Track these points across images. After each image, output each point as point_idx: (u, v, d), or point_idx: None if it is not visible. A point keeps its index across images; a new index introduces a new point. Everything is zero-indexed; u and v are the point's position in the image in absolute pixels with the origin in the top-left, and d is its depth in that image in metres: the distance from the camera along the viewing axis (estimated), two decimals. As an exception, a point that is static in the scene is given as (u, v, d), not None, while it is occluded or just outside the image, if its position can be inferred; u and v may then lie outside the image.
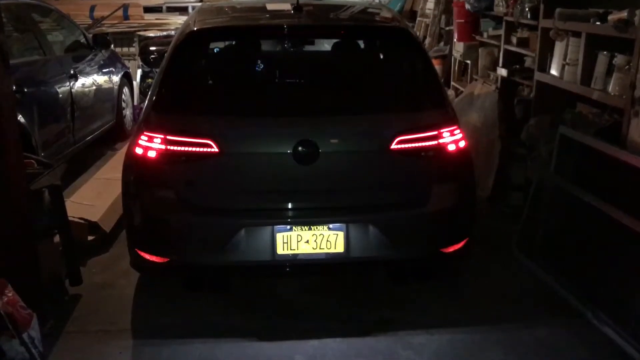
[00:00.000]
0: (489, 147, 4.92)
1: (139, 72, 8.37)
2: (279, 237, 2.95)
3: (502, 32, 5.32)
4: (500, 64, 5.31)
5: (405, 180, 3.07)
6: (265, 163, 2.96)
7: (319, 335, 3.16)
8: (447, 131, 3.04)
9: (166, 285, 3.56)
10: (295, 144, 2.90)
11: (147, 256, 3.11)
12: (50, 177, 3.30)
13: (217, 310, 3.35)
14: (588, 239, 3.58)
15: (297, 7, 3.31)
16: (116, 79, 6.73)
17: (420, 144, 3.00)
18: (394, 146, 2.96)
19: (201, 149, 2.93)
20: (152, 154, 2.98)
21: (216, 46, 3.26)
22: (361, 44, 3.41)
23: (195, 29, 3.15)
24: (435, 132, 3.02)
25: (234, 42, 3.28)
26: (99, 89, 6.19)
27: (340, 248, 2.97)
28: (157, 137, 2.96)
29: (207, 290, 3.30)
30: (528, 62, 4.99)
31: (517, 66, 5.10)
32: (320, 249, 2.97)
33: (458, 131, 3.09)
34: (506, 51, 5.26)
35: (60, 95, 5.20)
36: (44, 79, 5.01)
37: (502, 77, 5.24)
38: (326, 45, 3.42)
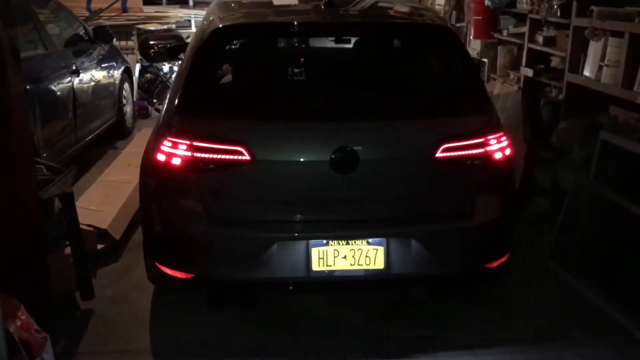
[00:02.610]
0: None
1: (138, 66, 8.09)
2: (315, 252, 2.73)
3: (525, 29, 5.11)
4: (524, 64, 5.11)
5: (450, 190, 2.85)
6: (300, 172, 2.73)
7: (352, 355, 2.95)
8: (493, 138, 2.83)
9: (185, 298, 3.32)
10: (333, 151, 2.67)
11: (169, 271, 2.87)
12: (62, 184, 3.05)
13: (242, 328, 3.12)
14: (630, 249, 3.41)
15: (328, 3, 3.08)
16: (117, 74, 6.46)
17: (466, 152, 2.79)
18: (439, 154, 2.74)
19: (231, 157, 2.69)
20: (176, 161, 2.73)
21: (245, 44, 3.02)
22: (399, 43, 3.18)
23: (220, 25, 2.90)
24: (481, 139, 2.81)
25: (264, 40, 3.04)
26: (101, 85, 5.92)
27: (380, 264, 2.76)
28: (182, 143, 2.72)
29: (233, 308, 3.06)
30: (555, 62, 4.79)
31: (542, 66, 4.90)
32: (358, 265, 2.75)
33: (504, 138, 2.88)
34: (530, 50, 5.05)
35: (62, 92, 4.93)
36: (46, 75, 4.74)
37: (526, 77, 5.04)
38: (362, 44, 3.17)
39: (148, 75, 8.23)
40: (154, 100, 7.99)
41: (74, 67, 5.22)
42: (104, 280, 3.61)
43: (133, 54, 8.14)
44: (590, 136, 3.88)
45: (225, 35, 2.89)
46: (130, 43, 8.30)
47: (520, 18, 5.32)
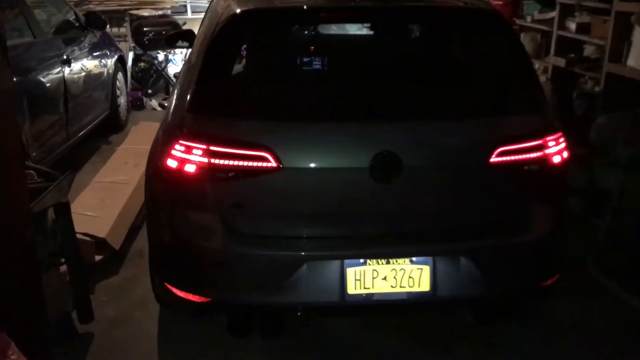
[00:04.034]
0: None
1: (131, 55, 7.64)
2: (350, 273, 2.37)
3: (553, 15, 4.74)
4: (553, 52, 4.75)
5: (504, 200, 2.50)
6: (334, 181, 2.36)
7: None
8: (552, 139, 2.48)
9: (197, 319, 2.96)
10: (372, 157, 2.31)
11: (181, 293, 2.50)
12: (56, 193, 2.66)
13: (263, 355, 2.76)
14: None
15: None
16: (110, 63, 6.03)
17: (524, 156, 2.43)
18: (494, 159, 2.38)
19: (255, 164, 2.31)
20: (190, 168, 2.35)
21: (267, 32, 2.63)
22: (444, 30, 2.79)
23: (239, 11, 2.51)
24: (540, 141, 2.45)
25: (290, 28, 2.65)
26: (93, 76, 5.49)
27: (425, 286, 2.40)
28: (197, 148, 2.34)
29: (255, 334, 2.70)
30: (589, 51, 4.43)
31: (573, 55, 4.54)
32: (400, 287, 2.40)
33: (562, 139, 2.52)
34: (560, 38, 4.69)
35: (52, 84, 4.51)
36: (34, 66, 4.32)
37: (556, 67, 4.67)
38: (403, 32, 2.78)
39: (142, 64, 7.79)
40: (149, 91, 7.57)
41: (64, 57, 4.80)
42: (104, 296, 3.23)
43: (125, 41, 7.70)
44: (636, 132, 3.53)
45: (244, 22, 2.50)
46: (122, 30, 7.85)
47: (546, 3, 4.95)
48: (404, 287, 2.40)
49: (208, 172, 2.35)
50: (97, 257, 3.44)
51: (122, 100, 6.43)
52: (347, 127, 2.38)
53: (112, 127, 6.16)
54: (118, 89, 6.27)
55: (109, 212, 3.76)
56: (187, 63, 2.85)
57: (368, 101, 2.44)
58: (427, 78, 2.58)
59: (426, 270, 2.40)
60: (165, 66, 7.87)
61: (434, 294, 2.41)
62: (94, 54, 5.65)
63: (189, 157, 2.36)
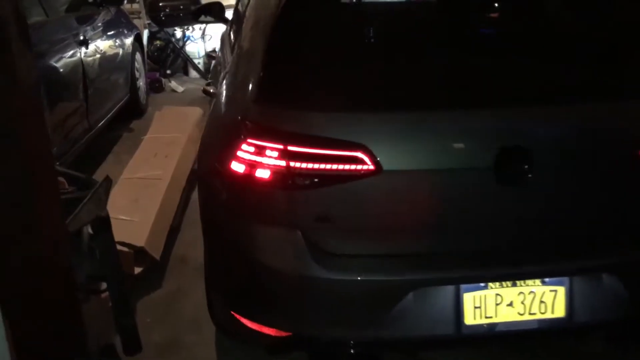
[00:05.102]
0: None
1: (146, 33, 7.10)
2: (468, 299, 1.89)
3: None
4: None
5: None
6: (446, 185, 1.87)
7: None
8: None
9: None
10: (497, 153, 1.82)
11: (254, 325, 2.04)
12: (93, 205, 2.18)
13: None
14: None
15: None
16: (128, 42, 5.52)
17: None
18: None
19: (346, 167, 1.82)
20: (263, 173, 1.87)
21: (349, 4, 2.11)
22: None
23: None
24: None
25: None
26: (111, 57, 4.99)
27: (559, 311, 1.93)
28: (272, 148, 1.86)
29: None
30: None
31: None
32: (530, 314, 1.92)
33: None
34: None
35: (70, 68, 4.01)
36: (49, 48, 3.81)
37: None
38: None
39: (158, 42, 7.26)
40: (168, 72, 7.05)
41: (81, 37, 4.29)
42: (148, 317, 2.78)
43: (139, 18, 7.14)
44: None
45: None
46: (135, 6, 7.27)
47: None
48: (534, 313, 1.93)
49: (286, 179, 1.86)
50: (137, 270, 2.99)
51: (141, 83, 5.93)
52: (463, 117, 1.87)
53: (132, 112, 5.68)
54: (137, 70, 5.76)
55: (145, 215, 3.29)
56: (243, 44, 2.35)
57: (489, 82, 1.93)
58: (564, 49, 2.03)
59: (561, 292, 1.92)
60: (184, 44, 7.35)
61: (571, 320, 1.94)
62: (110, 33, 5.13)
63: (261, 160, 1.88)
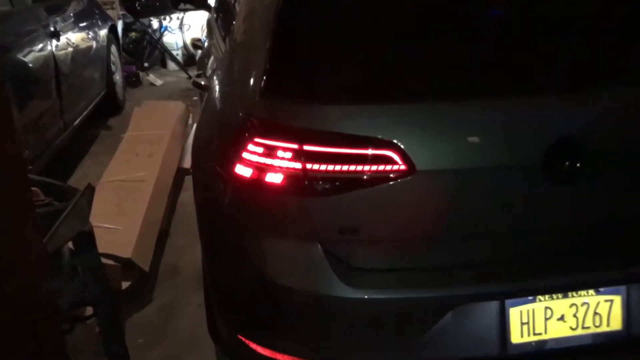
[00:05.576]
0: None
1: (120, 24, 6.73)
2: (515, 315, 1.65)
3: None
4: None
5: None
6: (490, 186, 1.61)
7: None
8: None
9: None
10: (548, 147, 1.57)
11: (266, 352, 1.77)
12: (75, 219, 1.89)
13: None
14: None
15: None
16: (103, 34, 5.17)
17: None
18: None
19: (375, 167, 1.56)
20: (274, 178, 1.60)
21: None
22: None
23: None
24: None
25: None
26: (85, 50, 4.65)
27: (616, 324, 1.69)
28: (285, 148, 1.59)
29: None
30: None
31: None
32: (583, 328, 1.69)
33: None
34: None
35: (41, 62, 3.67)
36: (17, 41, 3.48)
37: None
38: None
39: (133, 34, 6.90)
40: (145, 64, 6.71)
41: (51, 29, 3.95)
42: (140, 337, 2.50)
43: (113, 8, 6.76)
44: None
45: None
46: (108, -4, 6.92)
47: None
48: (588, 327, 1.69)
49: (302, 183, 1.60)
50: (125, 284, 2.70)
51: (118, 77, 5.60)
52: (505, 106, 1.62)
53: (109, 109, 5.34)
54: (113, 64, 5.42)
55: (130, 221, 2.99)
56: (234, 36, 2.07)
57: (534, 65, 1.68)
58: (615, 25, 1.79)
59: (617, 302, 1.69)
60: (161, 35, 7.00)
61: (629, 333, 1.71)
62: (83, 24, 4.79)
63: (271, 162, 1.61)
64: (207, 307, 2.20)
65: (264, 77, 1.69)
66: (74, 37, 4.36)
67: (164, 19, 6.95)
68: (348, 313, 1.65)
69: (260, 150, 1.62)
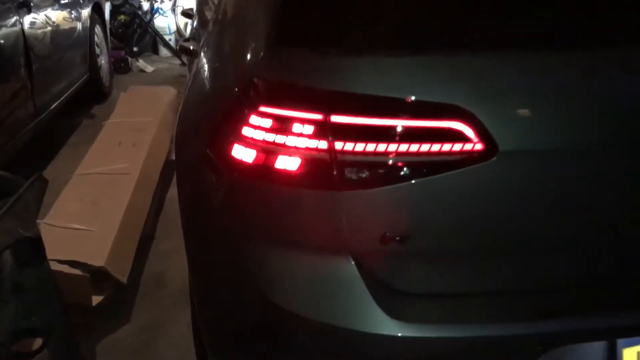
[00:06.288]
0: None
1: (108, 5, 6.21)
2: (629, 357, 1.17)
3: None
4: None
5: None
6: (600, 177, 1.12)
7: None
8: None
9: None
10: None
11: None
12: (15, 219, 1.40)
13: None
14: None
15: None
16: (85, 13, 4.65)
17: None
18: None
19: (434, 147, 1.07)
20: (288, 164, 1.11)
21: None
22: None
23: None
24: None
25: None
26: (64, 30, 4.12)
27: None
28: (302, 120, 1.09)
29: None
30: None
31: None
32: None
33: None
34: None
35: (7, 39, 3.16)
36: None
37: None
38: None
39: (122, 17, 6.39)
40: (134, 49, 6.20)
41: (19, 0, 3.44)
42: (114, 368, 2.01)
43: (100, -11, 6.27)
44: None
45: None
46: (94, -24, 6.40)
47: None
48: None
49: (329, 171, 1.10)
50: (96, 299, 2.19)
51: (103, 62, 5.08)
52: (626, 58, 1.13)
53: (93, 95, 4.84)
54: (97, 46, 4.91)
55: (106, 222, 2.48)
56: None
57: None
58: None
59: None
60: (152, 18, 6.48)
61: None
62: (62, 1, 4.27)
63: (284, 141, 1.11)
64: (195, 332, 1.70)
65: (273, 21, 1.19)
66: (49, 12, 3.84)
67: (155, 0, 6.44)
68: (391, 357, 1.16)
69: (268, 123, 1.12)
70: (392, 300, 1.15)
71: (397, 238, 1.12)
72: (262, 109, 1.13)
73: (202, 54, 1.66)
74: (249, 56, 1.23)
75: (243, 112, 1.15)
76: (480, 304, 1.16)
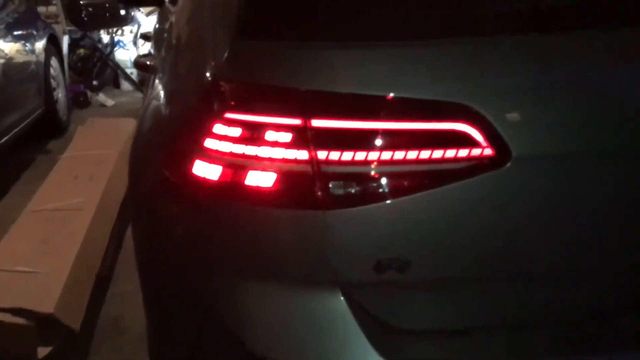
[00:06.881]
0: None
1: (66, 39, 5.99)
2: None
3: None
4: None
5: None
6: (629, 176, 0.96)
7: None
8: None
9: None
10: None
11: None
12: None
13: None
14: None
15: None
16: (40, 45, 4.42)
17: None
18: None
19: (436, 154, 0.89)
20: (261, 180, 0.92)
21: None
22: None
23: None
24: None
25: None
26: (17, 62, 3.89)
27: None
28: (276, 126, 0.91)
29: None
30: None
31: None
32: None
33: None
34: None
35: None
36: None
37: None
38: None
39: (82, 50, 6.15)
40: (94, 83, 5.96)
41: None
42: None
43: (58, 22, 6.04)
44: None
45: None
46: (52, 9, 6.18)
47: None
48: None
49: (311, 187, 0.92)
50: (43, 351, 1.93)
51: (60, 95, 4.83)
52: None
53: (50, 130, 4.59)
54: (53, 79, 4.67)
55: (57, 263, 2.23)
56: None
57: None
58: None
59: None
60: (112, 51, 6.27)
61: None
62: (15, 31, 4.05)
63: (256, 153, 0.93)
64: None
65: (238, 11, 1.01)
66: (0, 44, 3.62)
67: (116, 33, 6.25)
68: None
69: (236, 132, 0.94)
70: (389, 341, 0.95)
71: (395, 265, 0.93)
72: (228, 115, 0.94)
73: (159, 66, 1.47)
74: (210, 56, 1.05)
75: (205, 120, 0.96)
76: (496, 343, 0.97)
